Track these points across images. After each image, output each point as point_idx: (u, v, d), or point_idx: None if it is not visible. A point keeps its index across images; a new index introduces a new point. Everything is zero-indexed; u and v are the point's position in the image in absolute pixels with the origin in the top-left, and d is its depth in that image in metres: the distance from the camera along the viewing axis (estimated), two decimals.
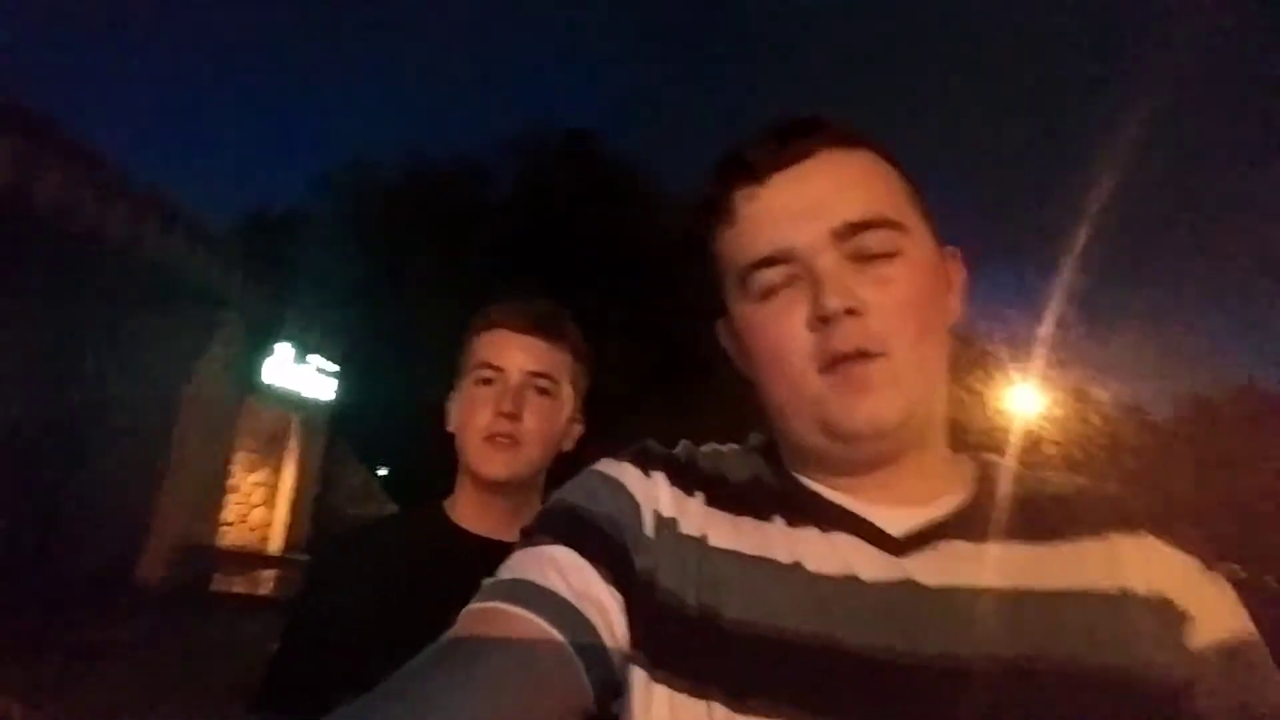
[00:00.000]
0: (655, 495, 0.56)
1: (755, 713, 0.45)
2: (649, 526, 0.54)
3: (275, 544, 9.95)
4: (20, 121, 5.35)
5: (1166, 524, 0.52)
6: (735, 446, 0.64)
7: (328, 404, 10.62)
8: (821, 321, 0.50)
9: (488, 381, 1.00)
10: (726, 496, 0.57)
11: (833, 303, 0.50)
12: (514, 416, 0.97)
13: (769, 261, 0.53)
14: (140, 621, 6.13)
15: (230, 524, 9.64)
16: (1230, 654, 0.47)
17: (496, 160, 16.42)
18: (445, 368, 1.11)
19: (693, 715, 0.47)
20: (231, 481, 9.37)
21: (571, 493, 0.57)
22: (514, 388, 0.99)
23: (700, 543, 0.53)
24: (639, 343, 12.16)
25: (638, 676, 0.49)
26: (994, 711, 0.44)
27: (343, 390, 10.81)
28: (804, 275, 0.52)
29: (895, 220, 0.53)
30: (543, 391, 1.00)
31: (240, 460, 9.60)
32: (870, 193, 0.53)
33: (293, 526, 10.09)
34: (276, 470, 10.24)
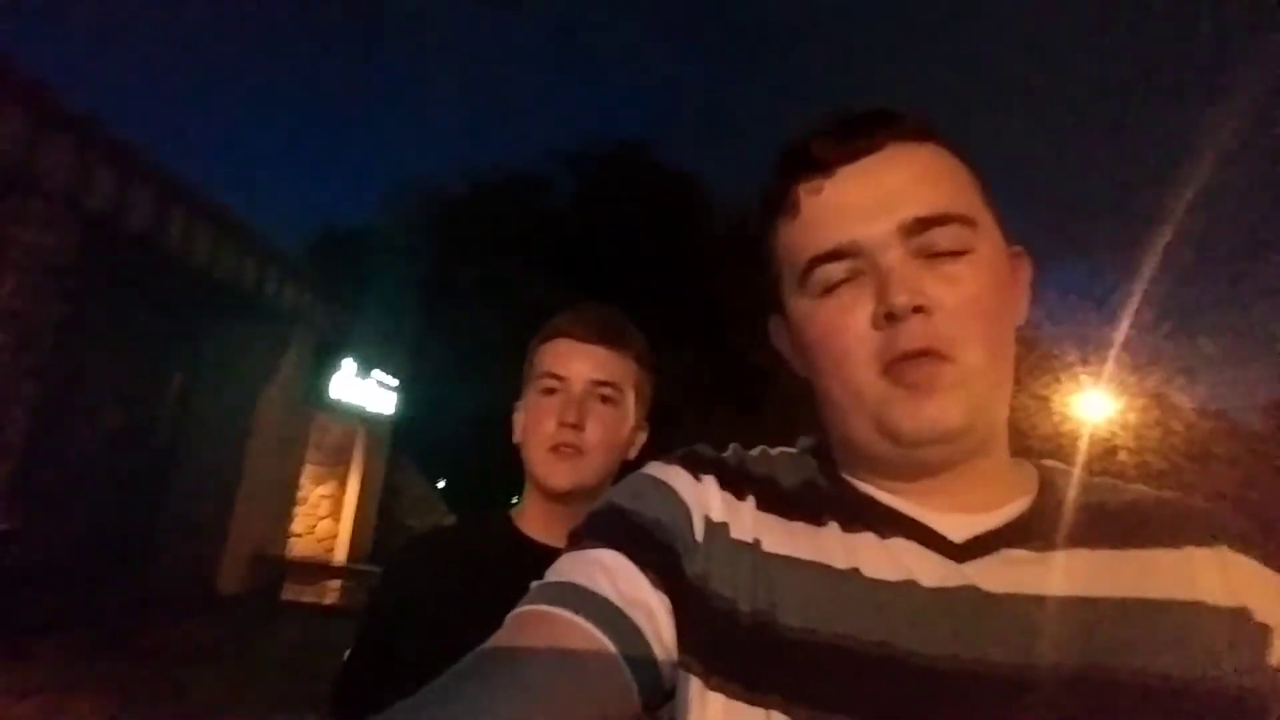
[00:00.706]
0: (706, 499, 0.55)
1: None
2: (700, 531, 0.53)
3: (340, 555, 10.25)
4: (113, 148, 5.69)
5: (1249, 539, 0.49)
6: (786, 450, 0.62)
7: (389, 418, 10.90)
8: (887, 319, 0.49)
9: (551, 391, 1.00)
10: (778, 500, 0.55)
11: (901, 299, 0.48)
12: (577, 426, 0.97)
13: (833, 256, 0.51)
14: (217, 628, 6.37)
15: (299, 535, 9.98)
16: None
17: (552, 173, 16.75)
18: (503, 380, 1.13)
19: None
20: (300, 494, 9.71)
21: (620, 496, 0.56)
22: (577, 397, 0.99)
23: (753, 548, 0.52)
24: (697, 352, 12.13)
25: (691, 684, 0.48)
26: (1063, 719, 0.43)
27: (404, 404, 11.10)
28: (869, 271, 0.50)
29: (965, 216, 0.51)
30: (606, 400, 1.00)
31: (308, 473, 9.94)
32: (939, 188, 0.52)
33: (356, 538, 10.38)
34: (342, 483, 10.56)
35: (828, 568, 0.50)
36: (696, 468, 0.57)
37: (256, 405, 8.05)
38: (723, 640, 0.49)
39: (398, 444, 11.31)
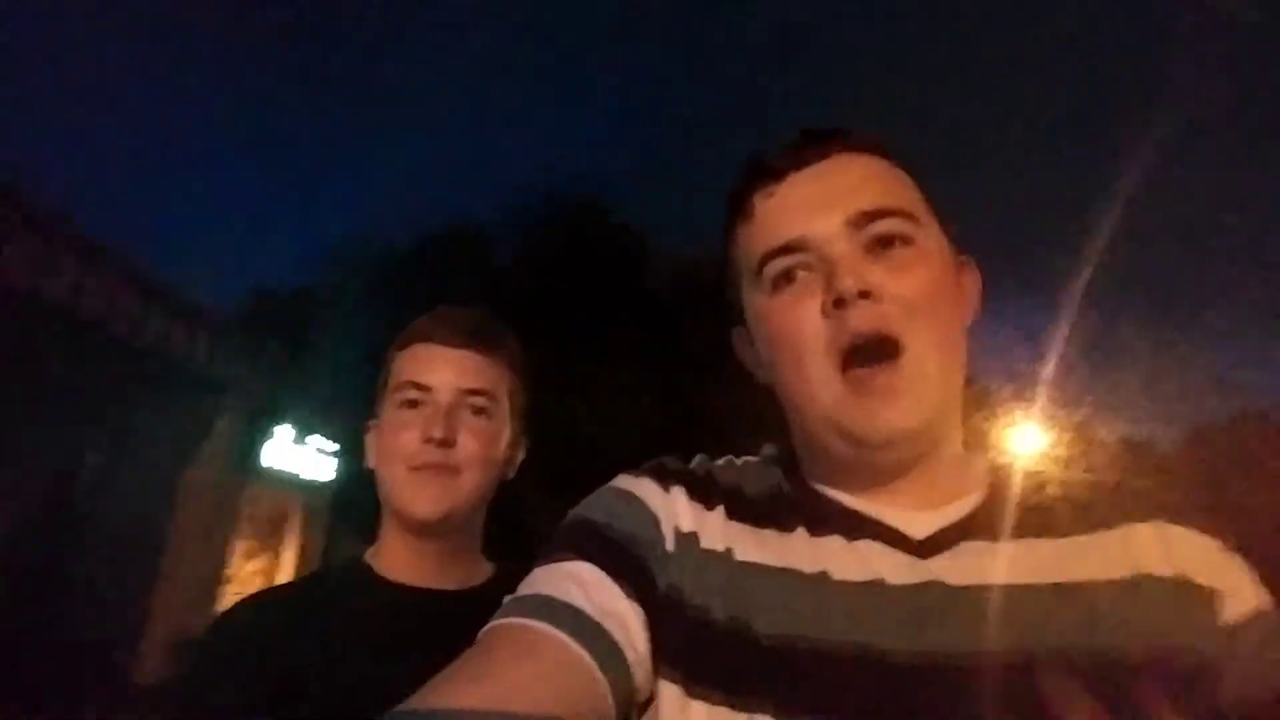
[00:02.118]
0: (675, 510, 0.56)
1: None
2: (671, 542, 0.54)
3: None
4: (28, 212, 5.47)
5: (1184, 510, 0.53)
6: (751, 459, 0.64)
7: (329, 484, 10.45)
8: (836, 305, 0.51)
9: (413, 404, 0.86)
10: (747, 509, 0.57)
11: (848, 283, 0.50)
12: (446, 442, 0.83)
13: (784, 250, 0.54)
14: (132, 717, 5.89)
15: None
16: (1262, 623, 0.49)
17: (501, 227, 16.80)
18: None
19: None
20: (228, 571, 9.13)
21: (589, 509, 0.56)
22: (445, 408, 0.84)
23: (725, 557, 0.53)
24: (648, 404, 12.10)
25: (671, 692, 0.48)
26: (1036, 702, 0.44)
27: (345, 470, 10.68)
28: (818, 264, 0.53)
29: (907, 211, 0.54)
30: (479, 411, 0.87)
31: (238, 547, 9.38)
32: (883, 186, 0.55)
33: None
34: (276, 556, 10.00)
35: (798, 573, 0.51)
36: (664, 479, 0.58)
37: (183, 477, 7.61)
38: (701, 649, 0.49)
39: (339, 513, 10.82)
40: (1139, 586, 0.49)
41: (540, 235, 15.86)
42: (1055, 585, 0.49)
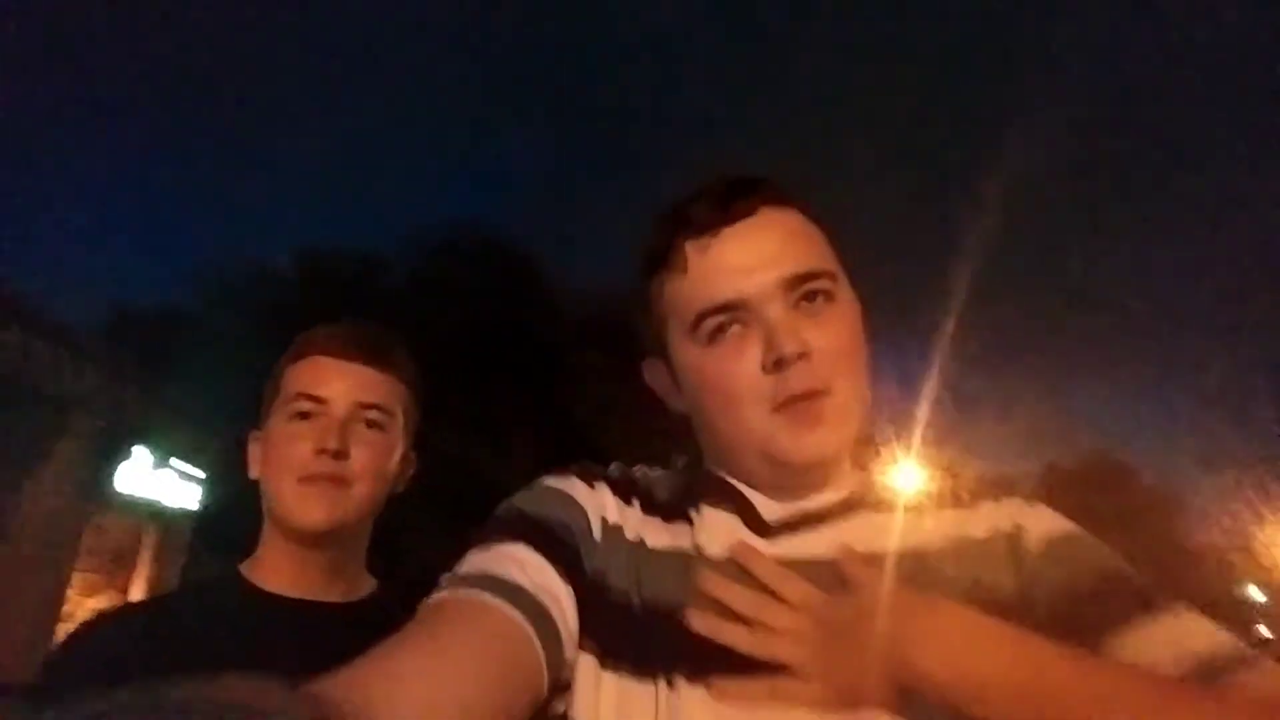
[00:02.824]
0: (602, 503, 0.61)
1: (692, 685, 0.52)
2: (598, 532, 0.59)
3: None
4: None
5: (1034, 498, 0.63)
6: (662, 470, 0.71)
7: (191, 513, 9.65)
8: (776, 365, 0.56)
9: (305, 415, 0.86)
10: (658, 506, 0.64)
11: (790, 349, 0.56)
12: (341, 454, 0.84)
13: (722, 309, 0.58)
14: None
15: None
16: (1051, 545, 0.57)
17: (392, 253, 16.26)
18: None
19: (640, 696, 0.52)
20: (66, 609, 8.21)
21: (522, 500, 0.60)
22: (340, 421, 0.85)
23: (640, 546, 0.60)
24: (541, 433, 11.98)
25: (587, 664, 0.53)
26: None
27: (211, 497, 9.90)
28: (753, 322, 0.58)
29: (830, 271, 0.61)
30: (372, 425, 0.88)
31: (78, 582, 8.45)
32: (808, 247, 0.61)
33: None
34: (124, 592, 9.07)
35: (690, 556, 0.59)
36: (590, 478, 0.63)
37: (19, 503, 6.81)
38: (616, 628, 0.55)
39: (202, 541, 9.98)
40: (968, 546, 0.59)
41: (435, 262, 15.52)
42: (890, 552, 0.57)
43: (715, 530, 0.60)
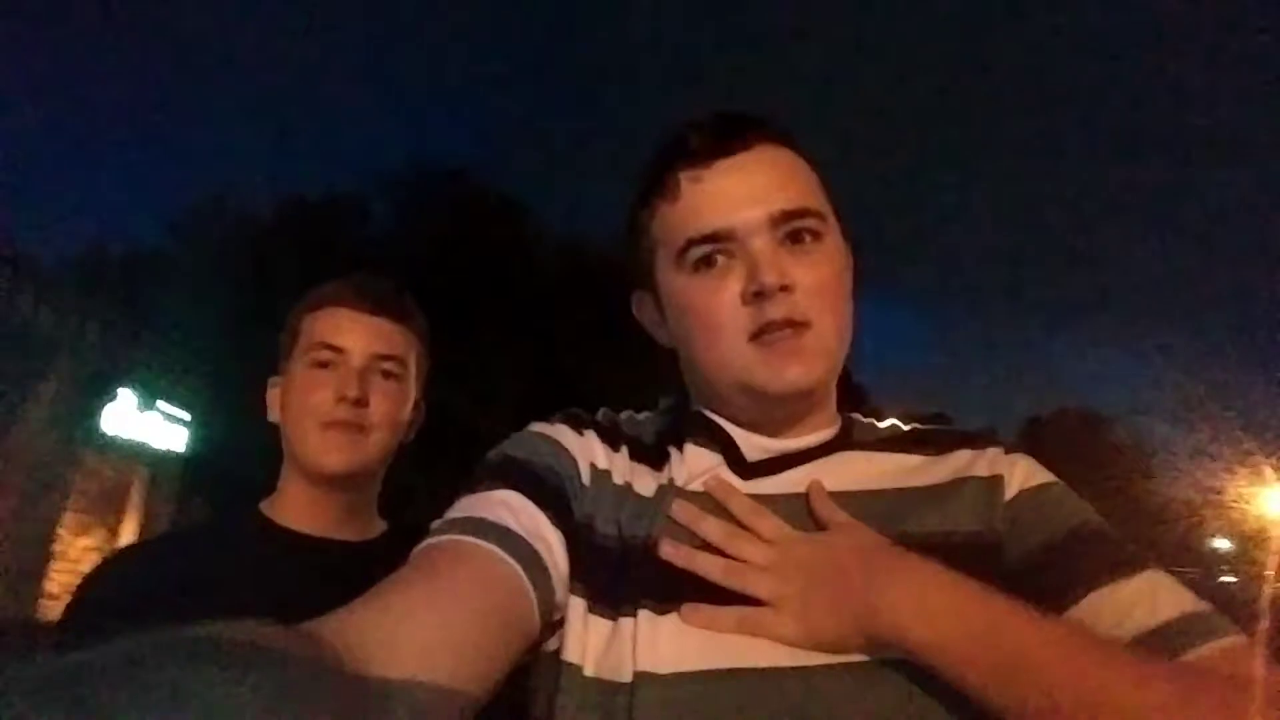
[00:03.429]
0: (590, 450, 0.61)
1: (663, 614, 0.52)
2: (586, 477, 0.59)
3: None
4: None
5: (1014, 448, 0.64)
6: (648, 414, 0.71)
7: (179, 455, 9.70)
8: (756, 296, 0.57)
9: (325, 364, 0.90)
10: (645, 452, 0.64)
11: (770, 278, 0.56)
12: (360, 402, 0.88)
13: (710, 239, 0.59)
14: None
15: (55, 597, 8.50)
16: (1032, 496, 0.59)
17: (373, 197, 15.95)
18: None
19: (621, 633, 0.53)
20: (58, 547, 8.31)
21: (511, 447, 0.60)
22: (358, 370, 0.89)
23: (628, 490, 0.60)
24: (522, 378, 12.03)
25: (577, 607, 0.54)
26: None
27: (198, 439, 9.93)
28: (739, 254, 0.59)
29: (819, 211, 0.61)
30: (388, 375, 0.92)
31: (69, 522, 8.54)
32: (799, 186, 0.61)
33: None
34: (114, 532, 9.18)
35: (667, 488, 0.60)
36: (578, 425, 0.64)
37: (7, 445, 6.81)
38: (603, 572, 0.55)
39: (190, 485, 10.05)
40: (951, 488, 0.59)
41: (415, 206, 15.24)
42: (884, 491, 0.59)
43: (695, 466, 0.61)
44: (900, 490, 0.60)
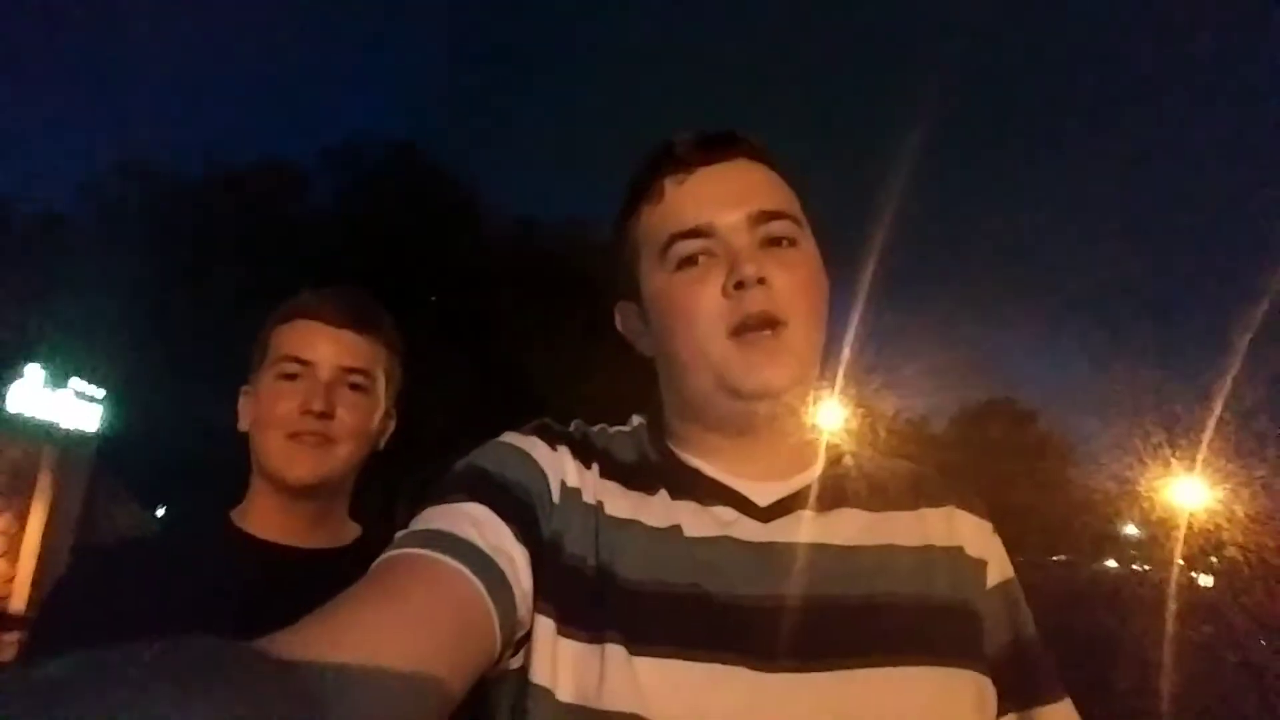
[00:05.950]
0: (562, 466, 0.61)
1: (644, 654, 0.52)
2: (556, 494, 0.59)
3: (19, 603, 8.37)
4: None
5: (969, 500, 0.69)
6: (621, 428, 0.71)
7: (92, 435, 9.19)
8: (735, 288, 0.59)
9: (292, 376, 0.91)
10: (618, 471, 0.64)
11: (748, 270, 0.58)
12: (326, 415, 0.89)
13: (692, 234, 0.61)
14: None
15: None
16: (1006, 591, 0.65)
17: (314, 170, 15.33)
18: (239, 392, 1.00)
19: (592, 660, 0.52)
20: None
21: (481, 458, 0.60)
22: (325, 383, 0.90)
23: (598, 510, 0.60)
24: (460, 356, 11.83)
25: (545, 628, 0.54)
26: (845, 634, 0.55)
27: (112, 418, 9.42)
28: (720, 252, 0.61)
29: (796, 216, 0.64)
30: (356, 388, 0.93)
31: None
32: (780, 193, 0.65)
33: (42, 580, 8.55)
34: (21, 515, 8.65)
35: (657, 529, 0.59)
36: (552, 439, 0.63)
37: None
38: (573, 593, 0.55)
39: (103, 466, 9.54)
40: (928, 553, 0.62)
41: (357, 180, 14.76)
42: (865, 547, 0.61)
43: (702, 513, 0.61)
44: (888, 547, 0.62)
